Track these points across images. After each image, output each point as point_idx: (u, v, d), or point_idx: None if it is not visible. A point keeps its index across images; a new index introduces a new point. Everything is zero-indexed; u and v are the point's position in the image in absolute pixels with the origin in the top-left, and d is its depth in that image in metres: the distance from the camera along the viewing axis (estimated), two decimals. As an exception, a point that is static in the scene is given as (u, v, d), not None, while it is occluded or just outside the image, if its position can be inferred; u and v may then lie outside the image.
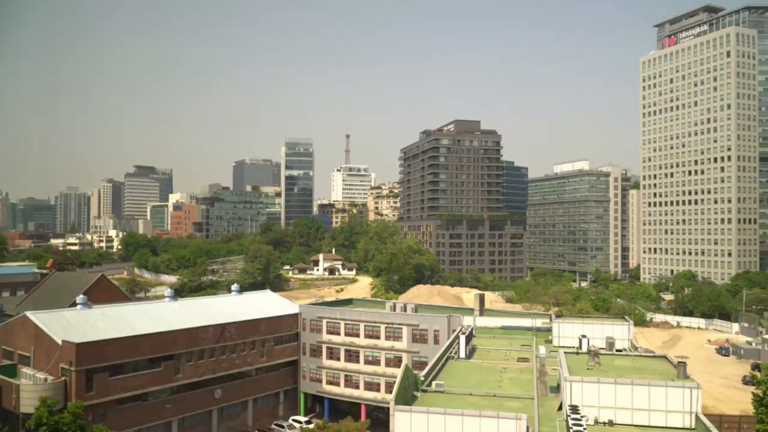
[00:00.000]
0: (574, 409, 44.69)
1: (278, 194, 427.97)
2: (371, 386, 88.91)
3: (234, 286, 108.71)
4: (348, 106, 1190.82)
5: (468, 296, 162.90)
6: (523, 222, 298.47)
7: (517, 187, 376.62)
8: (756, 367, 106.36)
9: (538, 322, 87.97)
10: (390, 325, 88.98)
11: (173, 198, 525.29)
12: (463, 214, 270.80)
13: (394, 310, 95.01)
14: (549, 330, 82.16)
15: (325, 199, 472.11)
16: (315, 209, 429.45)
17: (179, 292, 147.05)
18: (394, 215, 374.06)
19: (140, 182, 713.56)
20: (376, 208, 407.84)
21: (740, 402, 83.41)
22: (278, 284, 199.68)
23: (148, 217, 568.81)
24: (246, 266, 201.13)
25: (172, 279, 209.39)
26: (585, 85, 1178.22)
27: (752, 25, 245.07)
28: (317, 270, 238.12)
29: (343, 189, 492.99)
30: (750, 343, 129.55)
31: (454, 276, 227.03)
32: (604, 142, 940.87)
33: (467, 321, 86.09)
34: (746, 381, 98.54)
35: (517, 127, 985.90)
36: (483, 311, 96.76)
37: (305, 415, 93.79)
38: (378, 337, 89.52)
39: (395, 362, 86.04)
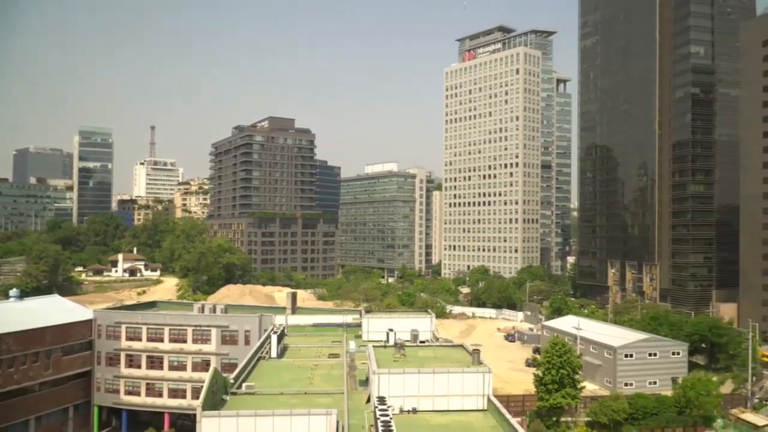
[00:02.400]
0: (381, 400, 46.18)
1: (70, 188, 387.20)
2: (176, 393, 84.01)
3: (12, 291, 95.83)
4: (155, 99, 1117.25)
5: (280, 295, 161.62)
6: (335, 220, 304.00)
7: (330, 186, 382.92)
8: (537, 350, 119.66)
9: (349, 318, 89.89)
10: (197, 328, 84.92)
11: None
12: (276, 213, 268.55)
13: (203, 311, 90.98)
14: (359, 325, 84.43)
15: (126, 195, 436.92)
16: (114, 205, 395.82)
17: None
18: (203, 212, 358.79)
19: None
20: (184, 204, 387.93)
21: (524, 382, 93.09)
22: (69, 288, 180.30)
23: None
24: (28, 268, 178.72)
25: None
26: (397, 91, 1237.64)
27: (538, 47, 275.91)
28: (116, 271, 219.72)
29: (147, 184, 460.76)
30: (532, 330, 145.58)
31: (266, 275, 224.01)
32: (413, 146, 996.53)
33: (279, 320, 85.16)
34: (529, 363, 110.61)
35: (330, 127, 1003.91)
36: (295, 309, 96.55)
37: (99, 431, 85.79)
38: (184, 341, 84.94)
39: (203, 366, 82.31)
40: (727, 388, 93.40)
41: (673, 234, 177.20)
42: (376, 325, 78.58)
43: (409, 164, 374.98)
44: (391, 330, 69.98)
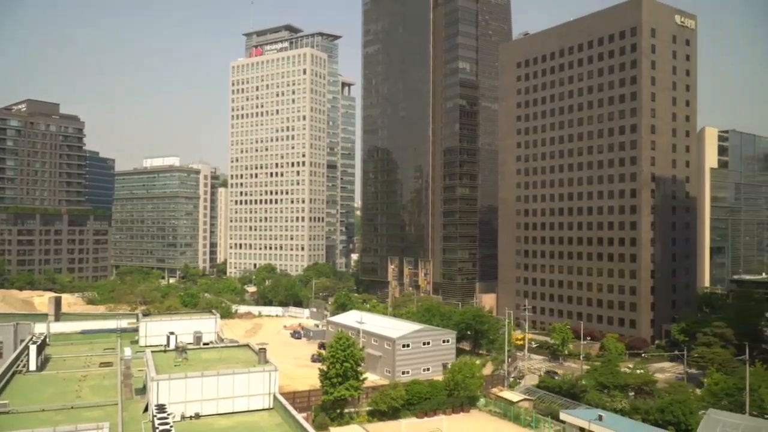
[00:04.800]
0: (161, 408, 43.48)
1: None
2: None
3: None
4: None
5: (41, 300, 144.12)
6: (108, 217, 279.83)
7: (102, 180, 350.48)
8: (322, 346, 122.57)
9: (124, 323, 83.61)
10: (-70, 343, 71.70)
11: None
12: (37, 208, 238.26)
13: (-63, 323, 77.02)
14: (136, 330, 78.79)
15: None
16: None
17: None
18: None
19: None
20: None
21: (310, 378, 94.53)
22: None
23: None
24: None
25: None
26: (181, 83, 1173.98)
27: (324, 50, 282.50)
28: None
29: None
30: (317, 326, 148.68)
31: (23, 278, 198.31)
32: (197, 141, 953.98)
33: (40, 328, 75.68)
34: (314, 359, 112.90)
35: (104, 117, 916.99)
36: (60, 316, 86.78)
37: None
38: None
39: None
40: (488, 369, 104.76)
41: (444, 232, 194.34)
42: (156, 329, 73.99)
43: (193, 159, 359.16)
44: (171, 333, 66.44)
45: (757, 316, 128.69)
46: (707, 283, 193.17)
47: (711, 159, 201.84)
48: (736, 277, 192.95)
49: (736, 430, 59.10)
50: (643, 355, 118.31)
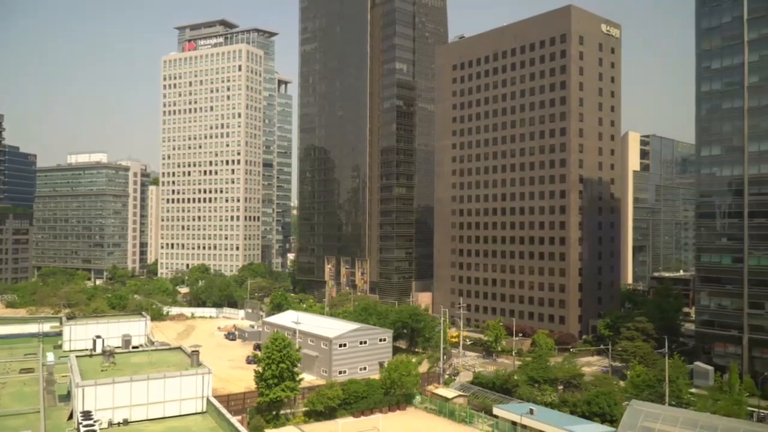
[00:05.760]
0: (86, 414, 41.95)
1: None
2: None
3: None
4: None
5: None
6: (29, 216, 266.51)
7: (23, 177, 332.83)
8: (257, 347, 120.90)
9: (46, 327, 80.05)
10: None
11: None
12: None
13: None
14: (59, 334, 75.50)
15: None
16: None
17: None
18: None
19: None
20: None
21: (245, 380, 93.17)
22: None
23: None
24: None
25: None
26: (110, 77, 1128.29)
27: (260, 46, 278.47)
28: None
29: None
30: (253, 327, 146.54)
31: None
32: (127, 137, 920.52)
33: (-48, 334, 71.39)
34: (249, 360, 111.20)
35: (24, 110, 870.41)
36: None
37: None
38: None
39: None
40: (424, 367, 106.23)
41: (380, 231, 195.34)
42: (81, 333, 71.21)
43: (122, 156, 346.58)
44: (98, 337, 64.09)
45: (675, 311, 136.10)
46: (630, 280, 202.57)
47: (634, 162, 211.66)
48: (656, 274, 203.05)
49: (657, 419, 62.25)
50: (571, 349, 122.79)
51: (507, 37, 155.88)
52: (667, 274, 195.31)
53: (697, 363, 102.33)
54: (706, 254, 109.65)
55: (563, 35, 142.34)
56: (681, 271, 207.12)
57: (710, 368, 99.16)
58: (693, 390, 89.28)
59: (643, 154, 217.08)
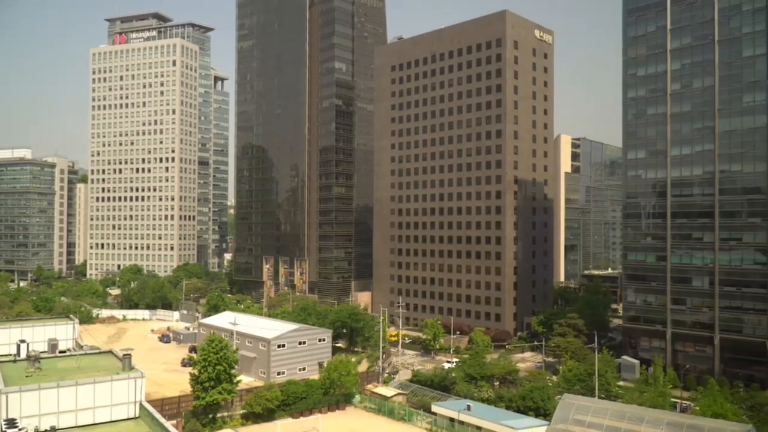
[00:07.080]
0: (11, 422, 40.09)
1: None
2: None
3: None
4: None
5: None
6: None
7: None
8: (193, 349, 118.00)
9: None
10: None
11: None
12: None
13: None
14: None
15: None
16: None
17: None
18: None
19: None
20: None
21: (180, 383, 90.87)
22: None
23: None
24: None
25: None
26: (34, 68, 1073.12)
27: (196, 42, 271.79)
28: None
29: None
30: (188, 329, 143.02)
31: None
32: (53, 132, 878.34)
33: None
34: (185, 363, 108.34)
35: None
36: None
37: None
38: None
39: None
40: (363, 366, 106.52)
41: (320, 231, 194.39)
42: (4, 337, 67.73)
43: (47, 152, 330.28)
44: (23, 341, 61.15)
45: (604, 307, 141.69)
46: (562, 278, 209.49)
47: (566, 164, 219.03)
48: (586, 272, 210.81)
49: (587, 411, 64.77)
50: (506, 346, 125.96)
51: (445, 39, 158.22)
52: (596, 272, 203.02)
53: (625, 357, 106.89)
54: (633, 253, 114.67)
55: (498, 39, 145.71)
56: (609, 269, 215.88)
57: (636, 362, 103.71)
58: (621, 383, 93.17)
59: (574, 157, 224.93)
